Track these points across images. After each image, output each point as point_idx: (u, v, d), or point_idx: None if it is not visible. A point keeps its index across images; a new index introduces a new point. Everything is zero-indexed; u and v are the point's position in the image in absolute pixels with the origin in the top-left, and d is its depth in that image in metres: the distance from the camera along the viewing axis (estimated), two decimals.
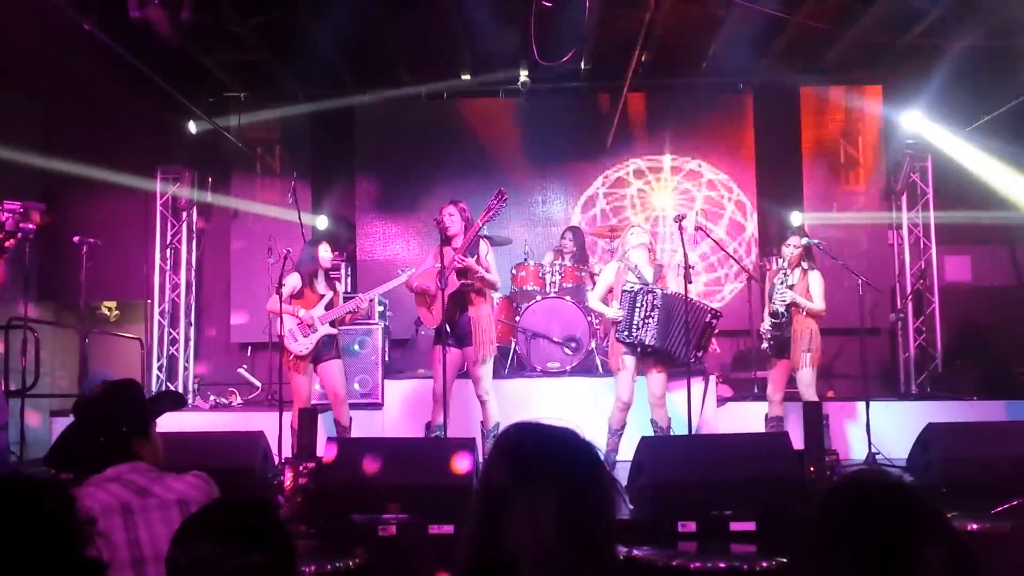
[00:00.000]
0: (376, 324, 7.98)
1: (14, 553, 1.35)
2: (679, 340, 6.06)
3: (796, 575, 1.47)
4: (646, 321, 6.06)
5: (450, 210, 6.25)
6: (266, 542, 1.71)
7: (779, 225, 9.33)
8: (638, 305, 6.08)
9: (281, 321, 6.35)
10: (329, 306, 6.49)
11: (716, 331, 6.26)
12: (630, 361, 6.17)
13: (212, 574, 1.65)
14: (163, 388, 9.32)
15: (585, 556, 1.49)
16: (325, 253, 6.58)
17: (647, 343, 6.08)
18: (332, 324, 6.47)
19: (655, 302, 6.07)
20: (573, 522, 1.50)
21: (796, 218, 9.13)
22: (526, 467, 1.56)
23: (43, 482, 1.58)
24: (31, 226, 5.84)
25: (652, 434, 6.13)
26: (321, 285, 6.55)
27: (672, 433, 6.19)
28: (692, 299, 6.21)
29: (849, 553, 1.36)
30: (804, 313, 6.42)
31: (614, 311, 6.18)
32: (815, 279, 6.50)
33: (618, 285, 6.23)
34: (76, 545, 1.46)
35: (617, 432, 6.17)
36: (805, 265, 6.55)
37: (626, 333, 6.10)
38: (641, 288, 6.12)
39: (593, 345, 7.71)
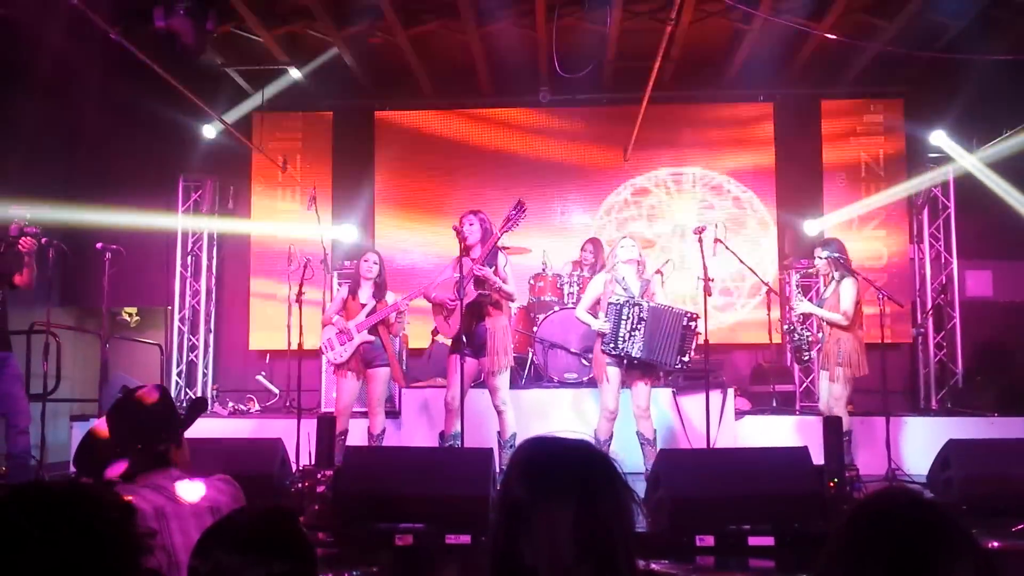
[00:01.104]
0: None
1: (78, 562, 1.36)
2: (664, 350, 6.09)
3: None
4: (632, 334, 6.07)
5: (470, 219, 6.28)
6: (286, 551, 1.72)
7: (799, 238, 9.30)
8: (624, 317, 6.09)
9: (299, 324, 6.43)
10: (370, 313, 6.53)
11: (698, 334, 6.26)
12: (615, 372, 6.18)
13: None
14: (182, 394, 9.38)
15: (602, 569, 1.49)
16: (364, 264, 6.64)
17: (634, 355, 6.09)
18: (373, 331, 6.49)
19: (641, 315, 6.08)
20: (590, 535, 1.50)
21: (811, 227, 9.09)
22: (542, 481, 1.56)
23: (105, 491, 1.60)
24: (35, 230, 5.91)
25: (639, 446, 6.16)
26: (365, 294, 6.60)
27: (656, 445, 6.20)
28: (670, 306, 6.25)
29: (873, 572, 1.35)
30: (826, 324, 6.42)
31: (600, 323, 6.19)
32: (844, 288, 6.42)
33: (605, 297, 6.24)
34: (136, 555, 1.47)
35: (605, 443, 6.15)
36: (837, 275, 6.51)
37: (612, 345, 6.11)
38: (627, 301, 6.12)
39: None
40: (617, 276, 6.28)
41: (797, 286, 8.41)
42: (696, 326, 6.19)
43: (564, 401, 7.46)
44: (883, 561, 1.35)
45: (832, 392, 6.36)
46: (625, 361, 6.15)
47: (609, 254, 6.51)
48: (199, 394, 9.43)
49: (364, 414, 6.82)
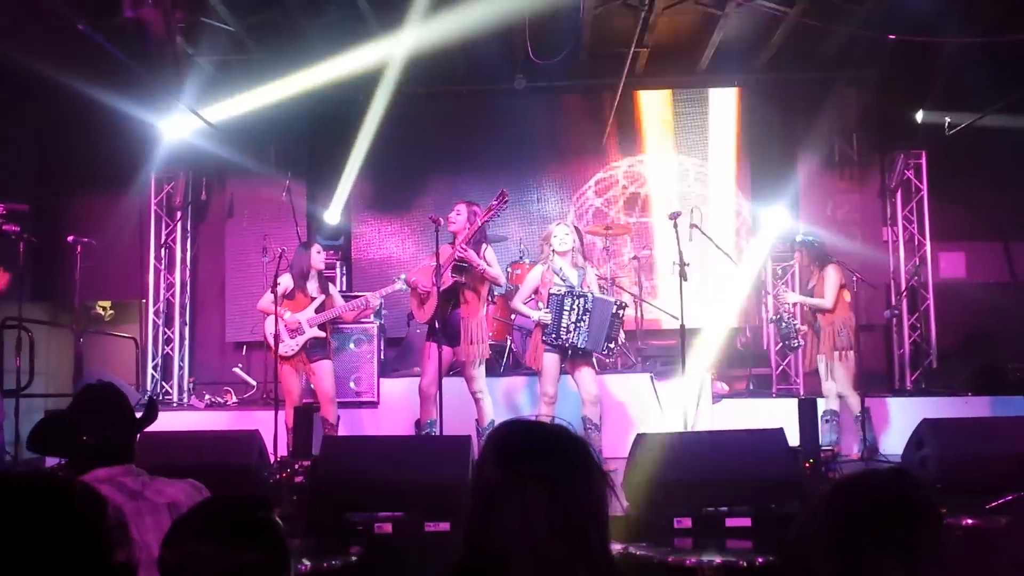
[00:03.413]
0: (372, 322, 7.97)
1: (44, 554, 1.33)
2: (599, 338, 6.13)
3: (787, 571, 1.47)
4: (578, 324, 6.05)
5: (458, 208, 6.29)
6: (257, 541, 1.68)
7: (773, 223, 9.32)
8: (566, 308, 6.06)
9: (277, 320, 6.40)
10: (320, 309, 6.51)
11: (623, 320, 6.36)
12: (553, 359, 6.15)
13: (202, 574, 1.63)
14: (158, 387, 9.31)
15: (575, 552, 1.49)
16: (317, 255, 6.61)
17: (579, 346, 6.09)
18: (323, 327, 6.49)
19: (586, 306, 6.07)
20: (563, 517, 1.50)
21: (777, 215, 9.09)
22: (516, 463, 1.56)
23: (75, 483, 1.57)
24: (15, 228, 5.85)
25: (584, 431, 6.14)
26: (312, 287, 6.58)
27: (601, 430, 6.23)
28: (605, 296, 6.31)
29: (849, 546, 1.36)
30: (817, 312, 6.63)
31: (540, 314, 6.13)
32: (828, 274, 6.76)
33: (543, 287, 6.21)
34: (106, 548, 1.44)
35: None
36: (818, 264, 6.89)
37: (554, 336, 6.07)
38: (568, 291, 6.10)
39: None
40: (554, 267, 6.25)
41: (777, 275, 8.47)
42: (623, 313, 6.27)
43: None
44: (859, 536, 1.36)
45: (833, 374, 6.66)
46: (570, 352, 6.15)
47: (543, 243, 6.47)
48: (176, 387, 9.37)
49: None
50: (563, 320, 6.07)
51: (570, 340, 6.06)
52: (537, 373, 6.28)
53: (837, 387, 6.67)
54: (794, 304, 7.00)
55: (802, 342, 6.95)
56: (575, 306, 6.07)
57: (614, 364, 7.73)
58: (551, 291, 6.12)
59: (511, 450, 1.61)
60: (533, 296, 6.32)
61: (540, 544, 1.48)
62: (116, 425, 2.56)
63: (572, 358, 6.19)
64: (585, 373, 6.21)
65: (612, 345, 6.24)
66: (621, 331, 6.30)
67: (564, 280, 6.19)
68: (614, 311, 6.16)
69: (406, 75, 9.40)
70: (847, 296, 6.83)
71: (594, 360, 6.41)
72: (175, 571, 1.65)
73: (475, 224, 6.17)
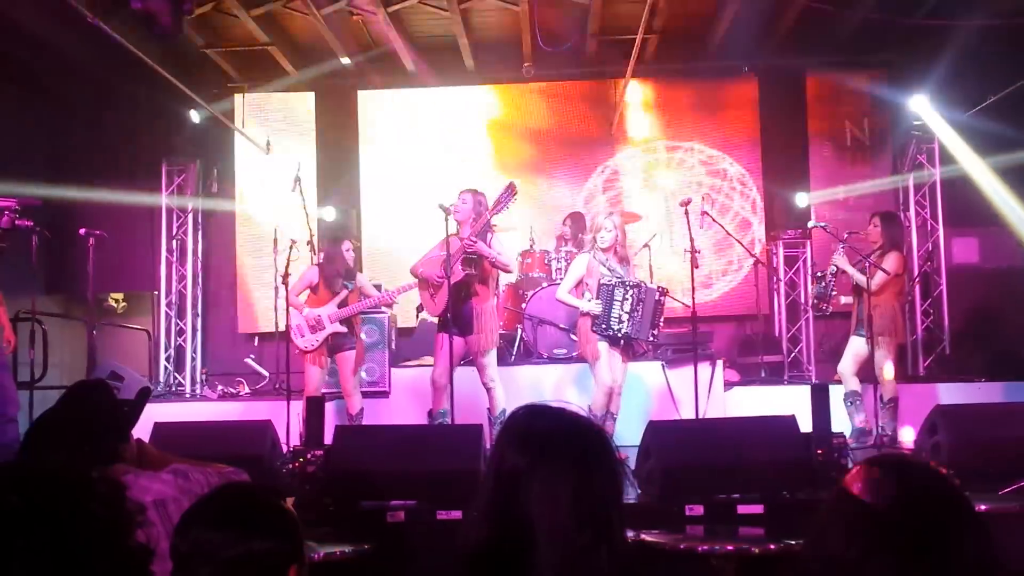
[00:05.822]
0: (383, 312, 7.99)
1: (66, 535, 1.36)
2: (645, 326, 6.11)
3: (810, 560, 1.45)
4: (631, 315, 6.02)
5: (463, 197, 6.25)
6: (267, 529, 1.70)
7: (785, 209, 9.29)
8: (617, 299, 6.03)
9: (288, 313, 6.45)
10: (343, 304, 6.52)
11: (664, 306, 6.27)
12: (605, 348, 6.12)
13: (212, 562, 1.63)
14: (171, 379, 9.36)
15: (600, 539, 1.49)
16: (347, 254, 6.62)
17: (632, 336, 6.08)
18: (345, 321, 6.51)
19: (640, 296, 6.04)
20: (589, 504, 1.50)
21: (802, 199, 9.09)
22: (542, 447, 1.55)
23: (93, 468, 1.59)
24: (28, 223, 5.86)
25: (600, 418, 6.10)
26: (337, 283, 6.58)
27: (616, 420, 6.22)
28: (642, 283, 6.24)
29: (868, 541, 1.34)
30: (866, 292, 6.55)
31: (590, 304, 6.09)
32: (886, 259, 6.62)
33: (590, 278, 6.16)
34: (124, 531, 1.47)
35: (602, 417, 6.14)
36: (884, 248, 6.70)
37: (604, 326, 6.03)
38: (619, 282, 6.06)
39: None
40: (600, 257, 6.23)
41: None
42: (665, 300, 6.23)
43: (554, 377, 7.47)
44: (913, 526, 1.34)
45: (876, 361, 6.52)
46: (622, 341, 6.14)
47: (590, 233, 6.42)
48: (188, 379, 9.41)
49: (337, 395, 6.88)
50: (614, 310, 6.03)
51: (622, 330, 6.05)
52: (590, 363, 6.22)
53: (876, 374, 6.59)
54: (839, 271, 6.84)
55: (828, 311, 6.91)
56: (627, 296, 6.03)
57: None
58: (601, 281, 6.08)
59: (535, 436, 1.59)
60: (577, 286, 6.29)
61: (567, 529, 1.48)
62: (95, 431, 2.53)
63: (616, 346, 6.17)
64: (619, 364, 6.20)
65: (655, 332, 6.21)
66: (662, 318, 6.24)
67: (612, 271, 6.15)
68: (657, 298, 6.15)
69: (414, 62, 9.41)
70: (897, 286, 6.76)
71: (633, 350, 6.38)
72: (185, 560, 1.67)
73: (483, 217, 6.15)
